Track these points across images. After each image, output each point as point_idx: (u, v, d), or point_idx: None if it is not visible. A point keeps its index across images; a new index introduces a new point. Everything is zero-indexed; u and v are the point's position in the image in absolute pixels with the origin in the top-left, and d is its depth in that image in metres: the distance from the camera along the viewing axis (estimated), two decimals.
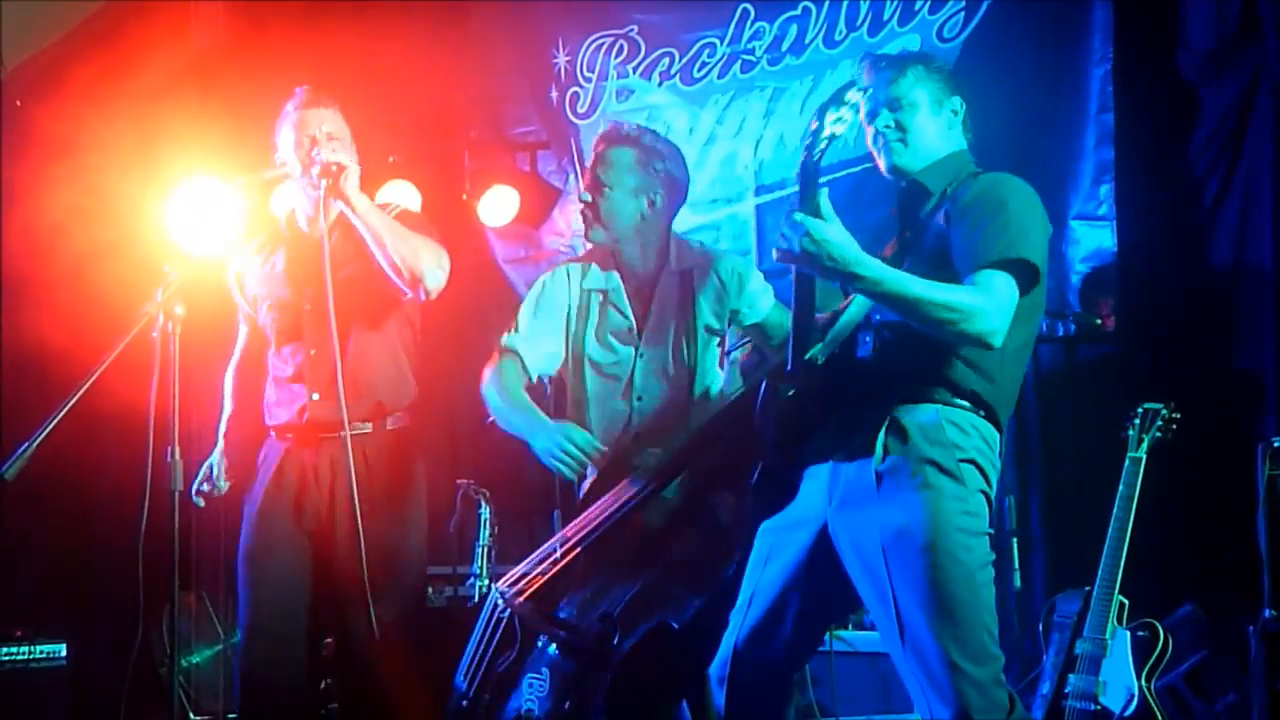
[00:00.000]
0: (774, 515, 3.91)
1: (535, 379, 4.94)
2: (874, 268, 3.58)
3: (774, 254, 3.67)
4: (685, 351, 4.79)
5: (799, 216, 3.58)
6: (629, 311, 4.82)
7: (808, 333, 3.78)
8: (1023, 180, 3.87)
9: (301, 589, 4.89)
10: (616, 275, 4.86)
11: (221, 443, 5.16)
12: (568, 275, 4.94)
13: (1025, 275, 3.67)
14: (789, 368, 3.78)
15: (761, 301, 4.85)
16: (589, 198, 4.82)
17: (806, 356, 3.75)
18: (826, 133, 3.66)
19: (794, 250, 3.58)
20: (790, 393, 3.78)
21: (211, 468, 5.10)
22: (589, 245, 4.95)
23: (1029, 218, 3.76)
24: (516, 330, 4.91)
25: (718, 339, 4.85)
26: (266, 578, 4.91)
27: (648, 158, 4.81)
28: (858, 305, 3.83)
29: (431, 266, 4.86)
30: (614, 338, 4.84)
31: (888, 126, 3.89)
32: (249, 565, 4.95)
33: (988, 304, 3.59)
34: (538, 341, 4.90)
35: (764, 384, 3.86)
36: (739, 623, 3.91)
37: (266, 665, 4.89)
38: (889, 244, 3.92)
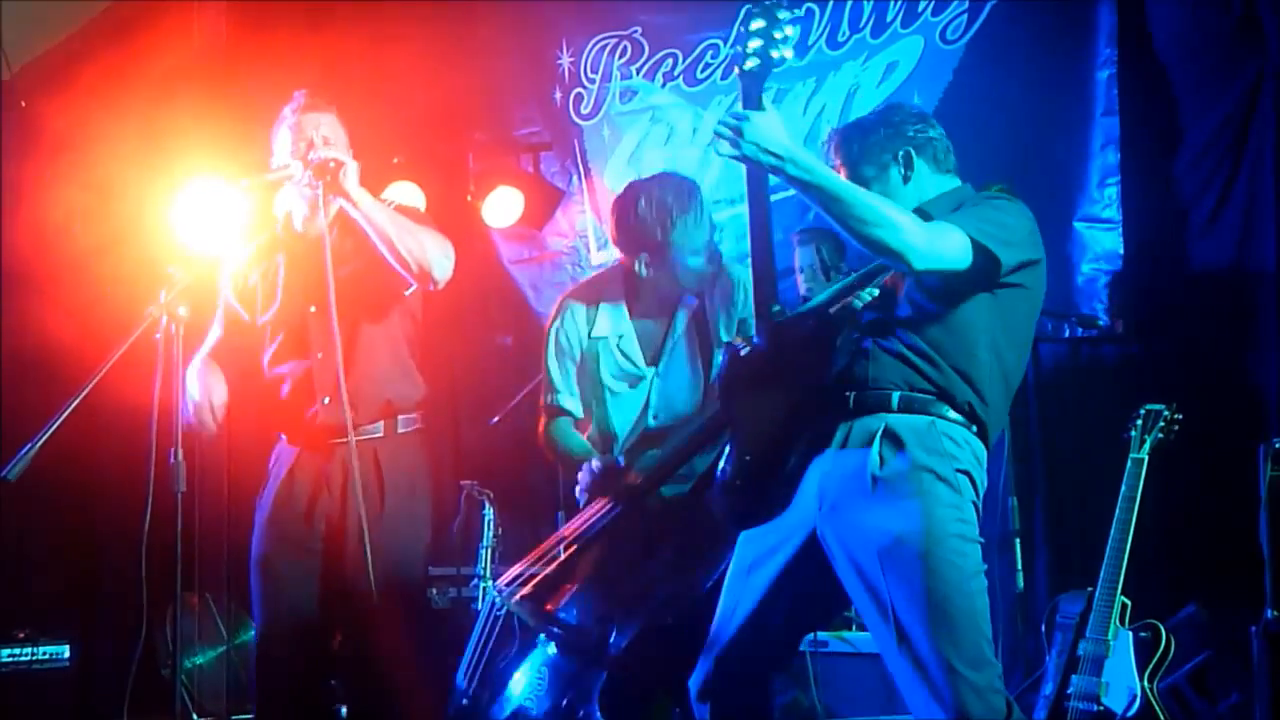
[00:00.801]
0: (752, 521, 3.90)
1: (582, 415, 4.96)
2: (801, 155, 3.60)
3: (714, 150, 3.70)
4: (701, 368, 4.79)
5: (737, 110, 3.65)
6: (639, 360, 4.81)
7: (767, 281, 3.79)
8: (1021, 202, 3.87)
9: (313, 593, 4.88)
10: (626, 316, 4.84)
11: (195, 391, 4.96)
12: (575, 321, 4.91)
13: (984, 258, 3.64)
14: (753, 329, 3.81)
15: None
16: (700, 261, 4.73)
17: (773, 310, 3.76)
18: (753, 45, 3.70)
19: (731, 139, 3.62)
20: (745, 350, 3.79)
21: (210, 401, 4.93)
22: (593, 270, 4.94)
23: (1018, 226, 3.76)
24: (556, 389, 4.91)
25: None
26: (279, 583, 4.90)
27: (705, 203, 4.79)
28: (842, 288, 3.84)
29: (439, 256, 4.83)
30: (625, 380, 4.84)
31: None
32: (261, 571, 4.94)
33: (921, 229, 3.58)
34: (574, 389, 4.92)
35: (724, 356, 3.86)
36: (719, 635, 3.91)
37: (282, 669, 4.89)
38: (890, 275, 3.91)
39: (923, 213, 3.76)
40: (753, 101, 3.67)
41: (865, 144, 3.92)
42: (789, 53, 3.70)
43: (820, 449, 3.81)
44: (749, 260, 6.73)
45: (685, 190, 4.76)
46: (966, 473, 3.73)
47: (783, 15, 3.70)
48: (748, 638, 3.87)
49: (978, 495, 3.77)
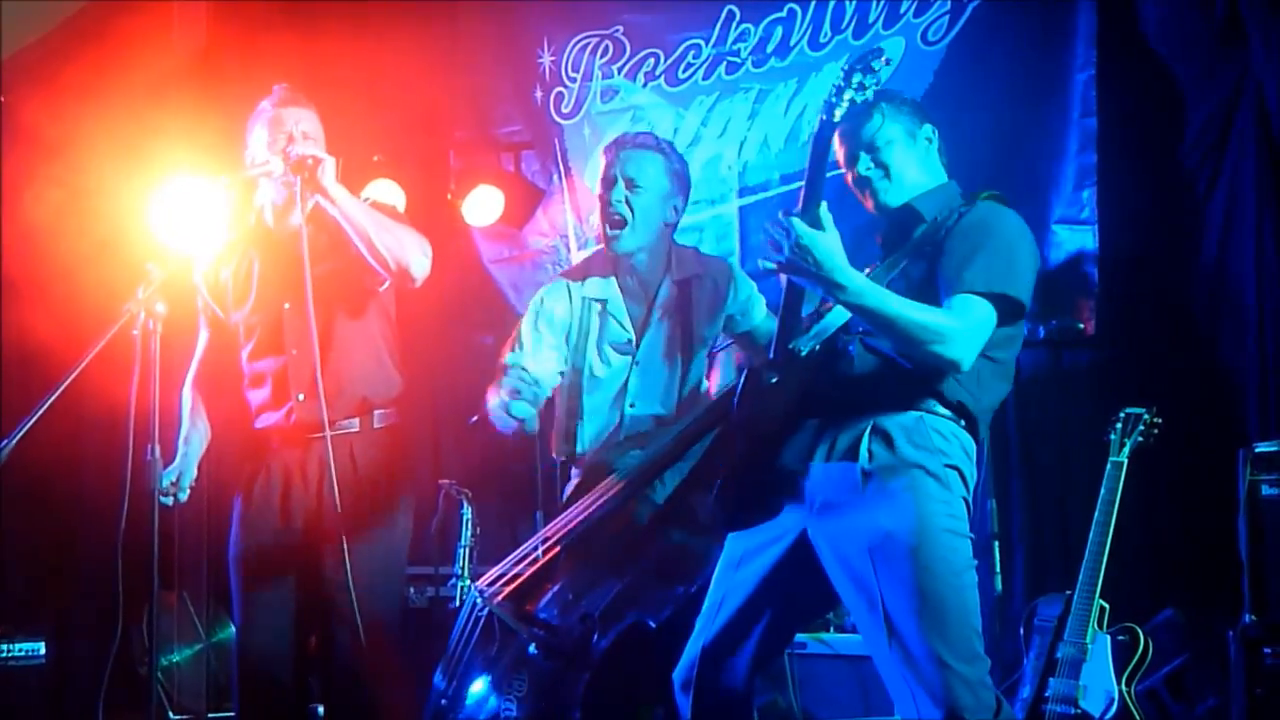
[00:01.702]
0: (744, 523, 3.90)
1: None
2: (856, 280, 3.60)
3: (760, 262, 3.68)
4: (680, 360, 4.79)
5: (791, 220, 3.59)
6: (627, 323, 4.81)
7: (795, 321, 3.78)
8: (1015, 213, 3.88)
9: (290, 590, 4.87)
10: (615, 284, 4.84)
11: (182, 452, 5.05)
12: (567, 289, 4.92)
13: (1009, 309, 3.71)
14: (772, 355, 3.78)
15: (754, 309, 4.86)
16: (621, 199, 4.76)
17: (790, 346, 3.75)
18: (848, 96, 3.64)
19: (781, 252, 3.59)
20: (774, 379, 3.78)
21: (174, 474, 4.99)
22: (585, 253, 4.94)
23: (1021, 251, 3.80)
24: (521, 347, 4.88)
25: (709, 346, 4.85)
26: (256, 580, 4.89)
27: (670, 164, 4.80)
28: (839, 311, 3.83)
29: (417, 254, 4.82)
30: (612, 349, 4.83)
31: (869, 169, 3.90)
32: (239, 568, 4.93)
33: (962, 329, 3.62)
34: (539, 357, 4.88)
35: (745, 373, 3.85)
36: (707, 625, 3.91)
37: (260, 666, 4.88)
38: (869, 266, 3.91)
39: (911, 210, 3.77)
40: (813, 197, 3.61)
41: (885, 114, 3.92)
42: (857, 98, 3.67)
43: (811, 450, 3.80)
44: (734, 260, 6.78)
45: (647, 139, 4.85)
46: (956, 468, 3.74)
47: (880, 66, 3.67)
48: (733, 632, 3.88)
49: (968, 490, 3.78)
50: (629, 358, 4.80)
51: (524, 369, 4.83)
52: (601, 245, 4.92)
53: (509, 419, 4.72)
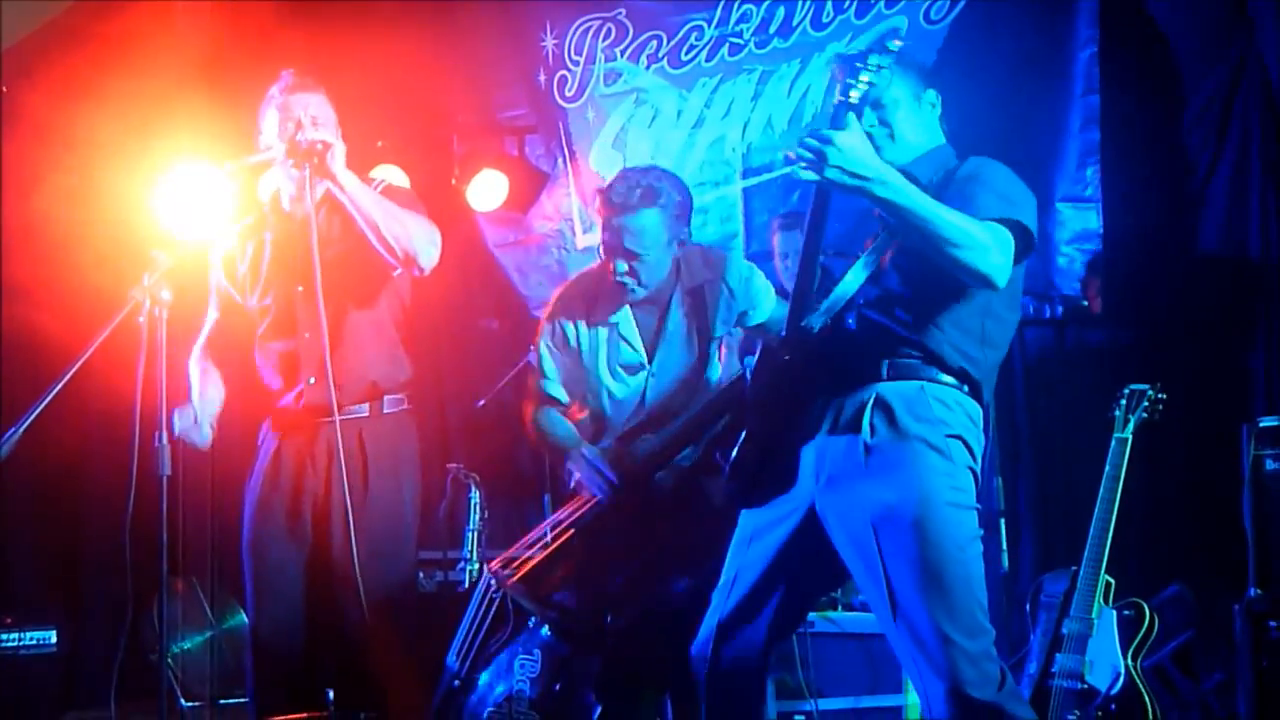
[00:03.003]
0: (758, 500, 3.90)
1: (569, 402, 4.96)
2: (896, 178, 3.56)
3: (793, 168, 3.61)
4: (696, 363, 4.79)
5: (824, 130, 3.55)
6: (638, 344, 4.80)
7: (808, 299, 3.78)
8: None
9: (301, 574, 4.88)
10: (626, 309, 4.83)
11: (198, 404, 4.98)
12: (572, 313, 4.88)
13: (1021, 237, 3.69)
14: (784, 333, 3.78)
15: (765, 302, 4.85)
16: (625, 271, 4.71)
17: (803, 324, 3.75)
18: (865, 79, 3.63)
19: (815, 161, 3.54)
20: (786, 357, 3.78)
21: (190, 416, 4.91)
22: (578, 253, 4.93)
23: (1021, 187, 3.79)
24: (545, 375, 4.90)
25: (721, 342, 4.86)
26: (269, 566, 4.90)
27: (668, 206, 4.73)
28: (852, 278, 3.82)
29: (425, 244, 4.83)
30: (623, 370, 4.83)
31: (873, 126, 3.87)
32: (252, 555, 4.94)
33: (995, 244, 3.58)
34: (565, 377, 4.91)
35: (759, 352, 3.84)
36: (721, 601, 3.91)
37: (275, 652, 4.90)
38: (869, 239, 3.91)
39: (908, 175, 3.77)
40: (840, 123, 3.57)
41: (894, 74, 3.89)
42: (863, 86, 3.62)
43: (817, 424, 3.81)
44: (738, 242, 6.79)
45: (639, 193, 4.72)
46: (959, 437, 3.73)
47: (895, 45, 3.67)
48: (747, 608, 3.88)
49: (974, 459, 3.77)
50: (644, 372, 4.81)
51: (554, 397, 4.91)
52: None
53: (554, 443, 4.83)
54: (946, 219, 3.54)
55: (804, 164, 3.56)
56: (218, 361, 5.10)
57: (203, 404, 4.94)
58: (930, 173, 3.86)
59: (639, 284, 4.72)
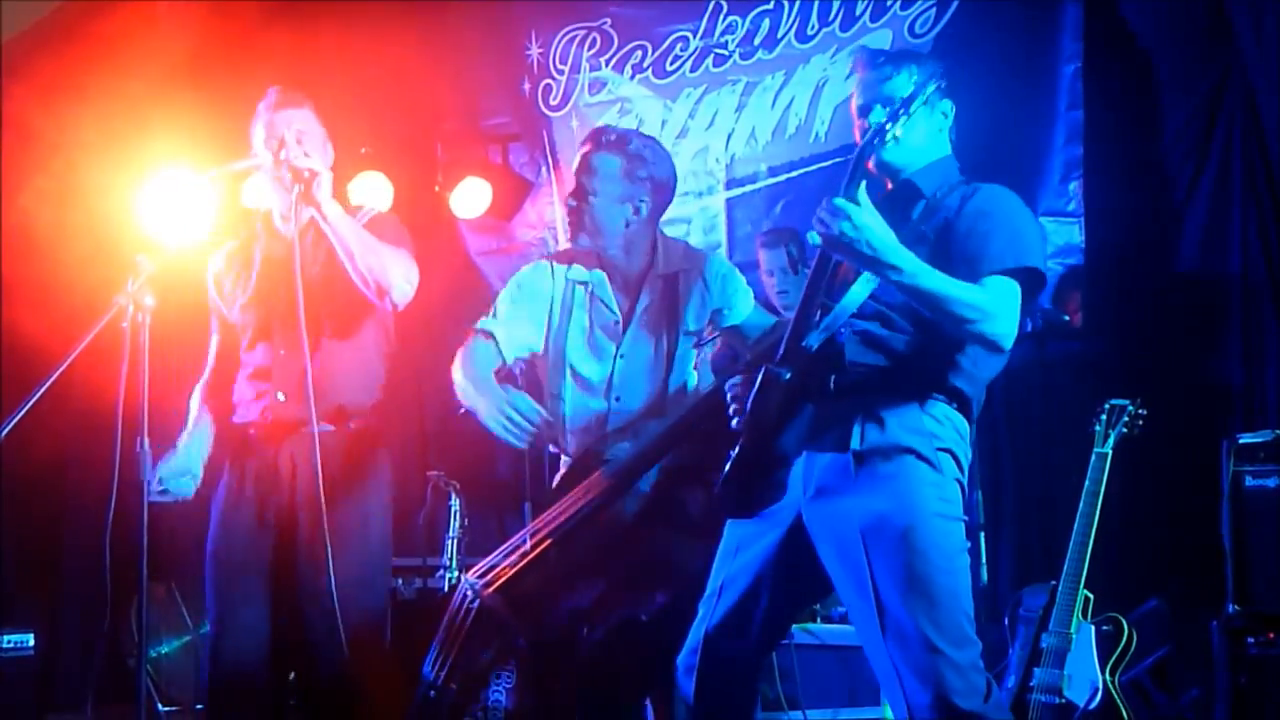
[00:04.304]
0: (746, 512, 3.91)
1: (511, 361, 4.89)
2: (908, 259, 3.59)
3: (812, 236, 3.66)
4: (665, 354, 4.79)
5: (840, 202, 3.58)
6: (614, 305, 4.80)
7: (810, 319, 3.79)
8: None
9: (264, 585, 4.87)
10: (601, 271, 4.84)
11: (182, 449, 5.05)
12: (551, 268, 4.90)
13: (1032, 281, 3.73)
14: (782, 352, 3.79)
15: (742, 303, 4.85)
16: (574, 204, 4.76)
17: (803, 344, 3.76)
18: (897, 131, 3.67)
19: (833, 234, 3.58)
20: (787, 376, 3.79)
21: (165, 468, 4.92)
22: (570, 246, 4.91)
23: (1034, 224, 3.85)
24: (494, 315, 4.87)
25: (695, 339, 4.85)
26: (231, 575, 4.89)
27: (633, 165, 4.75)
28: (853, 295, 3.83)
29: (399, 280, 4.87)
30: (602, 332, 4.80)
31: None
32: (214, 563, 4.93)
33: (1003, 308, 3.64)
34: (514, 326, 4.84)
35: (762, 371, 3.84)
36: (708, 612, 3.92)
37: (234, 660, 4.88)
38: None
39: (911, 185, 3.78)
40: (852, 186, 3.61)
41: (915, 74, 3.92)
42: (899, 131, 3.68)
43: (806, 435, 3.82)
44: (722, 249, 6.79)
45: (610, 136, 4.82)
46: (948, 450, 3.75)
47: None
48: (734, 618, 3.88)
49: (961, 472, 3.79)
50: (612, 351, 4.79)
51: (491, 334, 4.83)
52: None
53: (464, 381, 4.73)
54: (955, 294, 3.60)
55: (819, 232, 3.62)
56: (219, 385, 5.10)
57: (188, 447, 4.97)
58: (934, 185, 3.88)
59: (582, 227, 4.74)
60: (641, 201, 4.76)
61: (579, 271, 4.84)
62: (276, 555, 4.85)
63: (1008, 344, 3.67)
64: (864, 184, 3.62)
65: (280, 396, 4.85)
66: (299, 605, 4.82)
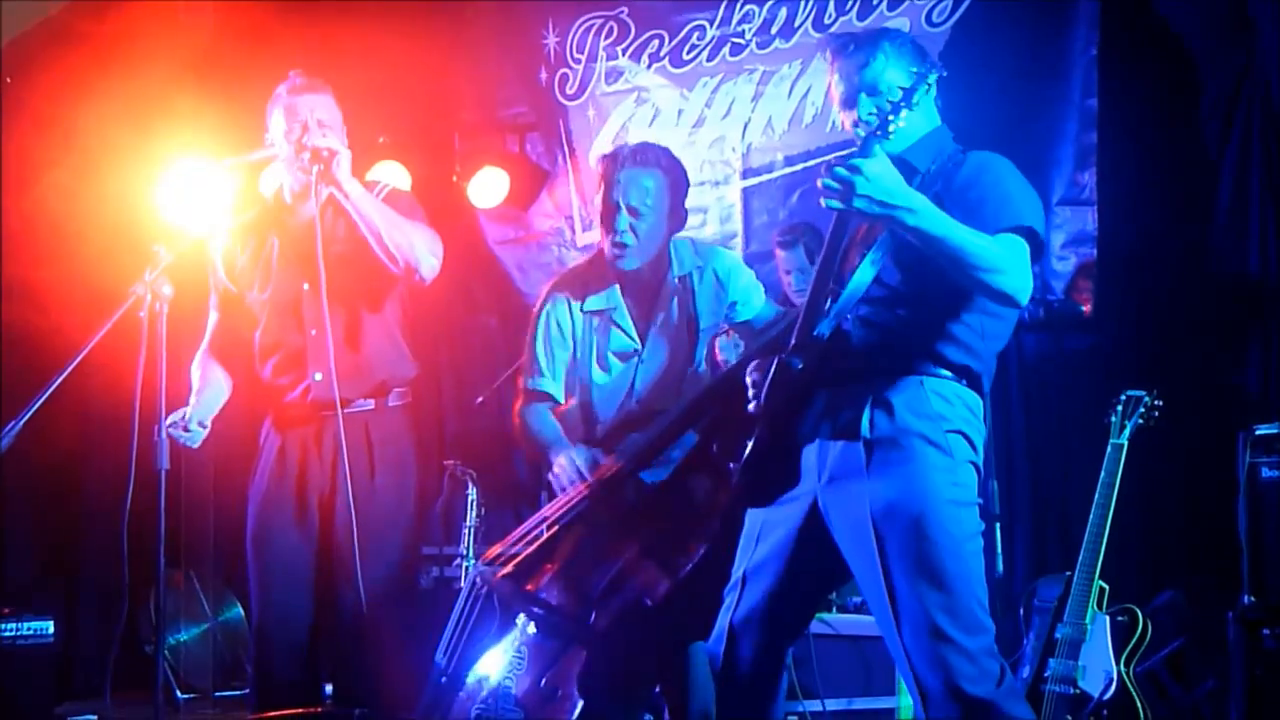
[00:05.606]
0: (764, 500, 3.91)
1: (564, 399, 4.92)
2: (920, 200, 3.57)
3: (822, 200, 3.63)
4: (685, 354, 4.79)
5: (854, 160, 3.55)
6: (632, 331, 4.80)
7: (820, 308, 3.79)
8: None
9: (307, 568, 4.90)
10: (617, 291, 4.82)
11: (194, 402, 4.96)
12: (568, 305, 4.87)
13: (1034, 242, 3.70)
14: (795, 341, 3.79)
15: (754, 297, 4.85)
16: (625, 228, 4.68)
17: (815, 333, 3.76)
18: (898, 125, 3.65)
19: (848, 188, 3.54)
20: (800, 366, 3.78)
21: (182, 413, 4.86)
22: (578, 251, 4.91)
23: (1025, 191, 3.79)
24: (540, 373, 4.87)
25: (711, 334, 4.86)
26: (273, 561, 4.92)
27: (671, 175, 4.75)
28: (859, 278, 3.83)
29: (425, 253, 4.87)
30: (615, 357, 4.82)
31: (870, 114, 3.85)
32: (255, 550, 4.95)
33: (1016, 262, 3.62)
34: (558, 371, 4.88)
35: (775, 360, 3.84)
36: (733, 600, 3.92)
37: (277, 646, 4.91)
38: (861, 226, 3.90)
39: (904, 163, 3.76)
40: (867, 151, 3.58)
41: (889, 55, 3.89)
42: (903, 122, 3.66)
43: (819, 422, 3.83)
44: (737, 242, 6.79)
45: (650, 155, 4.77)
46: (959, 431, 3.73)
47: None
48: (759, 606, 3.88)
49: (975, 452, 3.77)
50: (633, 360, 4.81)
51: (547, 394, 4.87)
52: (601, 241, 4.87)
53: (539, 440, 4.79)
54: (974, 244, 3.56)
55: (832, 193, 3.58)
56: (224, 360, 5.11)
57: (198, 405, 4.95)
58: (928, 159, 3.86)
59: (637, 242, 4.70)
60: (682, 212, 4.78)
61: (595, 300, 4.82)
62: (319, 535, 4.87)
63: (1024, 299, 3.63)
64: (878, 145, 3.58)
65: (317, 376, 4.86)
66: (335, 586, 4.84)
